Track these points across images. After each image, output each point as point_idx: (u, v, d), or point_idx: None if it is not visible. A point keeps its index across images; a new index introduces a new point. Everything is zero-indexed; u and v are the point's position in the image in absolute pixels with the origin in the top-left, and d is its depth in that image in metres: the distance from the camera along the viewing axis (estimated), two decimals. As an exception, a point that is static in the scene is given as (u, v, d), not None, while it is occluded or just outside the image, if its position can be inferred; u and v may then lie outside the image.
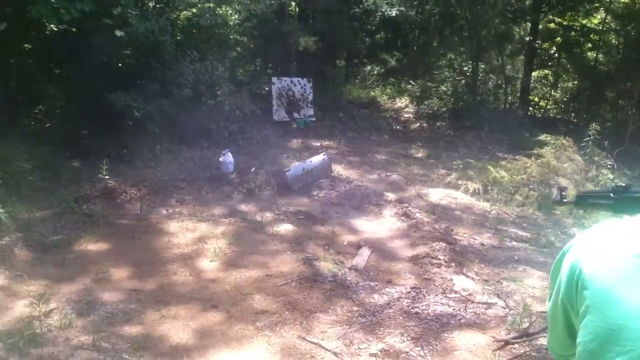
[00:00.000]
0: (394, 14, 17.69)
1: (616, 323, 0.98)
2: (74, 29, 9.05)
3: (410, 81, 18.20)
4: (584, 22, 17.33)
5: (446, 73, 18.80)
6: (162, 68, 10.23)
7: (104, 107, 9.22)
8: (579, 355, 1.06)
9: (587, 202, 1.57)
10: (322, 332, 4.74)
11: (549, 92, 18.50)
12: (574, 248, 1.14)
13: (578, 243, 1.14)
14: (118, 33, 8.85)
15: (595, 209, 1.55)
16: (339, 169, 10.14)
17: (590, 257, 1.07)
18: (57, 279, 5.53)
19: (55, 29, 9.18)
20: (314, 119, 13.96)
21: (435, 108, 16.59)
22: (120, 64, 10.47)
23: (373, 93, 18.55)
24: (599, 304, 1.02)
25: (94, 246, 6.46)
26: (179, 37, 11.51)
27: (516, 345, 4.57)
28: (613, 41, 17.08)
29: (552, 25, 17.32)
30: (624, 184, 1.41)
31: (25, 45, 10.19)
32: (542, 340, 4.59)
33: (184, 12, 12.38)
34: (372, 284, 5.79)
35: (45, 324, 4.51)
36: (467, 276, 6.02)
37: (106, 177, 8.09)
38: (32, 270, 5.66)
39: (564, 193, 1.77)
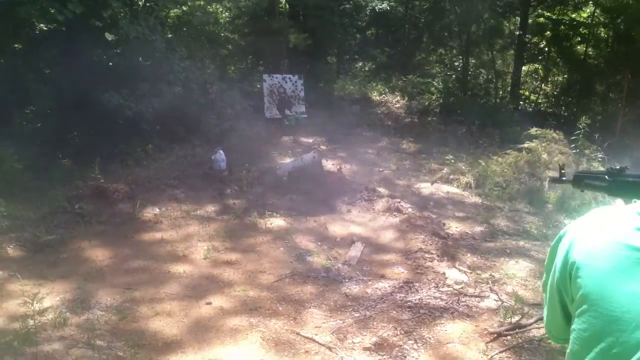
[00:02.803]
0: (384, 8, 17.72)
1: (611, 315, 0.99)
2: (63, 28, 9.00)
3: (401, 77, 18.24)
4: (573, 15, 17.44)
5: (437, 68, 18.85)
6: (153, 66, 10.19)
7: (95, 106, 9.17)
8: (573, 341, 1.08)
9: (583, 182, 1.58)
10: (316, 327, 4.76)
11: (539, 86, 18.60)
12: (568, 233, 1.15)
13: (573, 229, 1.15)
14: (108, 37, 8.81)
15: (591, 189, 1.56)
16: (330, 165, 10.16)
17: (584, 245, 1.09)
18: (51, 278, 5.52)
19: (45, 28, 9.13)
20: (305, 115, 13.96)
21: (427, 103, 16.65)
22: (110, 63, 10.41)
23: (364, 89, 18.58)
24: (594, 294, 1.03)
25: (87, 245, 6.45)
26: (169, 36, 11.48)
27: (508, 337, 4.61)
28: (602, 35, 17.19)
29: (542, 19, 17.41)
30: (618, 167, 1.40)
31: (15, 45, 10.13)
32: (535, 332, 4.65)
33: (174, 10, 12.34)
34: (365, 278, 5.83)
35: (39, 323, 4.51)
36: (460, 269, 6.07)
37: (98, 176, 8.09)
38: (25, 269, 5.66)
39: (563, 171, 1.79)
